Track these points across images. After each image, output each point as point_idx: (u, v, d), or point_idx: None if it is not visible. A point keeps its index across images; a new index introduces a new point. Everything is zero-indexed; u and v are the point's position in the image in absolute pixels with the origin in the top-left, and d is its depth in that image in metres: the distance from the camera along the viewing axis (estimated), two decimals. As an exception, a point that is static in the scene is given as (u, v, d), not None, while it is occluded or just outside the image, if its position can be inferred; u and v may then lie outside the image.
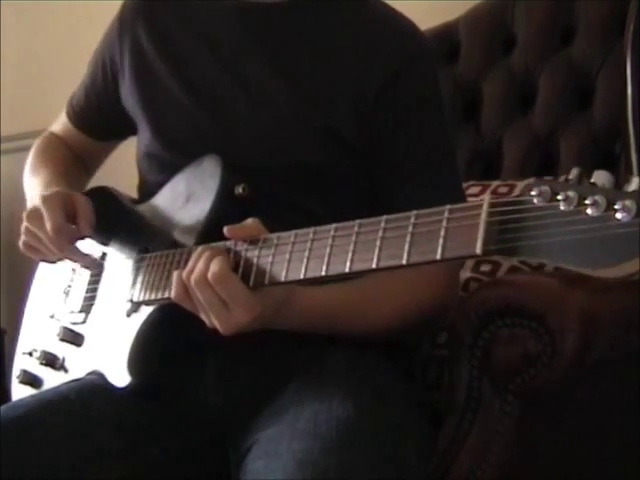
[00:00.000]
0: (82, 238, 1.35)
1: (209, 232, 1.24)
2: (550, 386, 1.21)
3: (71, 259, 1.37)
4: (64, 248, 1.33)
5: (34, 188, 1.47)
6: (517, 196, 0.89)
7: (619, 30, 1.69)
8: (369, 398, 1.20)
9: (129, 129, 1.49)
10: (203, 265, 1.12)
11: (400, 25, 1.36)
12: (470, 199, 1.70)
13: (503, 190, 1.74)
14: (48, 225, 1.31)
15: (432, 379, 1.45)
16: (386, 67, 1.30)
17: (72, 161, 1.57)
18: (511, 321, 1.20)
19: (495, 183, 1.78)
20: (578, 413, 1.30)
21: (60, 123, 1.61)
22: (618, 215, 0.80)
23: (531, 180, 1.72)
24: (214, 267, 1.11)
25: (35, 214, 1.33)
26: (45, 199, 1.33)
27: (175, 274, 1.15)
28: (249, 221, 1.15)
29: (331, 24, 1.34)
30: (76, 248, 1.35)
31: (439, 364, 1.44)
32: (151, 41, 1.40)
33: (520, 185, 1.72)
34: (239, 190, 1.24)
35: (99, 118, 1.53)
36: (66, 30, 2.78)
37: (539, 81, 1.86)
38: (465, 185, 1.76)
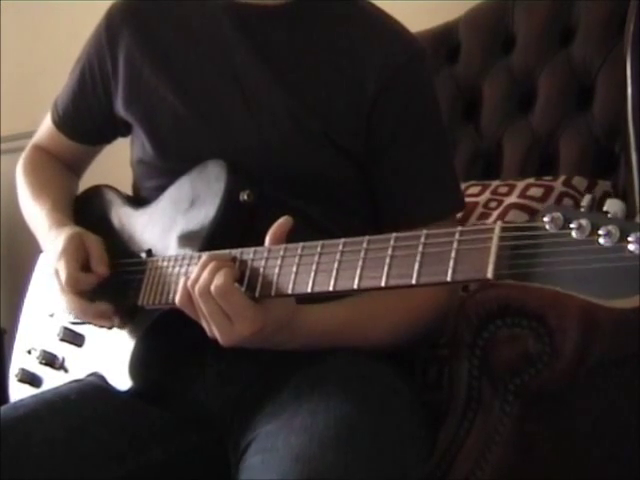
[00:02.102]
0: (102, 279, 1.34)
1: (214, 238, 1.24)
2: (550, 386, 1.21)
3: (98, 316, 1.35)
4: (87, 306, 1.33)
5: (39, 228, 1.46)
6: (529, 221, 0.89)
7: (619, 30, 1.69)
8: (368, 397, 1.20)
9: (119, 133, 1.49)
10: (208, 276, 1.11)
11: (392, 33, 1.35)
12: (470, 199, 1.71)
13: (503, 190, 1.74)
14: (62, 278, 1.31)
15: (432, 379, 1.45)
16: (379, 76, 1.30)
17: (62, 175, 1.56)
18: (511, 321, 1.20)
19: (495, 183, 1.78)
20: (578, 413, 1.30)
21: (45, 131, 1.59)
22: (631, 247, 0.80)
23: (531, 180, 1.73)
24: (218, 280, 1.10)
25: (56, 275, 1.34)
26: (60, 256, 1.33)
27: (181, 281, 1.15)
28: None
29: (326, 31, 1.34)
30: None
31: (439, 364, 1.44)
32: (143, 49, 1.38)
33: (520, 185, 1.72)
34: (244, 197, 1.24)
35: (89, 124, 1.51)
36: (66, 30, 2.78)
37: (539, 81, 1.86)
38: (465, 185, 1.77)
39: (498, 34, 1.94)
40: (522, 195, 1.70)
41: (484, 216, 1.71)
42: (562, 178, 1.72)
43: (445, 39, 2.00)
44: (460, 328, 1.24)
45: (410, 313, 1.26)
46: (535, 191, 1.70)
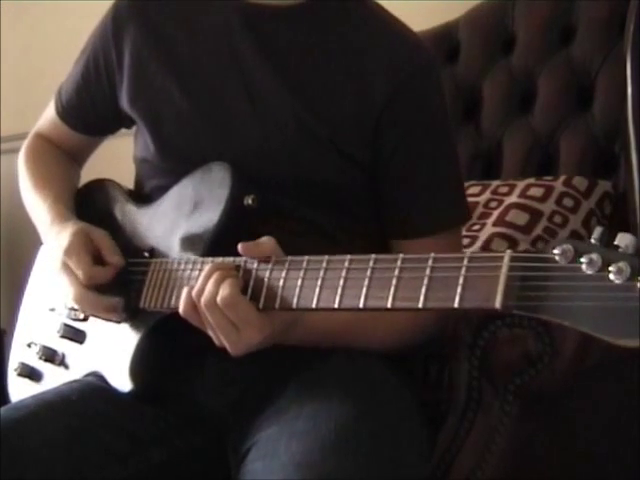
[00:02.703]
0: (117, 272, 1.33)
1: (217, 242, 1.23)
2: (550, 386, 1.21)
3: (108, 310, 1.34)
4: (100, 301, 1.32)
5: (41, 220, 1.45)
6: (539, 252, 0.87)
7: (619, 30, 1.69)
8: (369, 398, 1.20)
9: (123, 125, 1.48)
10: (213, 287, 1.11)
11: (402, 39, 1.33)
12: (470, 199, 1.71)
13: (503, 190, 1.74)
14: (80, 275, 1.30)
15: (432, 379, 1.45)
16: (388, 84, 1.28)
17: (65, 165, 1.56)
18: (511, 321, 1.20)
19: (495, 183, 1.79)
20: (578, 413, 1.30)
21: (48, 119, 1.58)
22: None
23: (532, 180, 1.73)
24: (224, 291, 1.10)
25: (65, 270, 1.32)
26: (68, 251, 1.32)
27: (184, 290, 1.14)
28: (264, 239, 1.13)
29: (335, 35, 1.32)
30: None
31: (439, 364, 1.44)
32: (149, 46, 1.37)
33: (520, 185, 1.73)
34: (248, 201, 1.23)
35: (92, 116, 1.50)
36: (66, 30, 2.78)
37: (539, 81, 1.86)
38: (465, 185, 1.76)
39: (498, 34, 1.94)
40: (522, 195, 1.70)
41: (484, 216, 1.71)
42: (562, 178, 1.72)
43: (445, 39, 2.00)
44: (460, 328, 1.24)
45: (415, 316, 1.24)
46: (535, 191, 1.70)
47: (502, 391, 1.22)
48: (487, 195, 1.75)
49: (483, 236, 1.64)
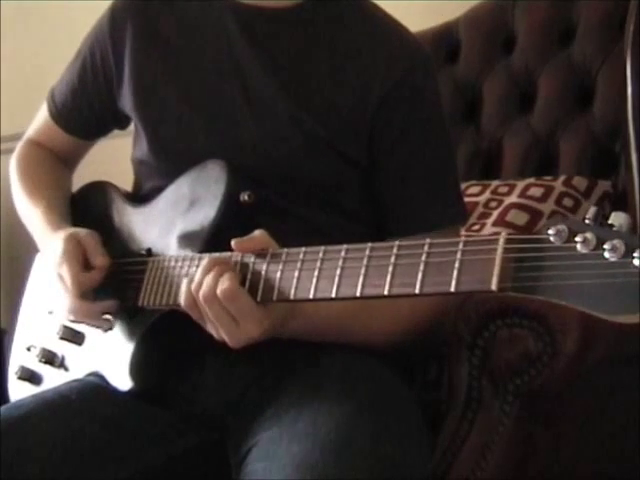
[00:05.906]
0: (104, 272, 1.33)
1: (214, 239, 1.23)
2: (550, 386, 1.21)
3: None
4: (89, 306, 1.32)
5: (35, 228, 1.45)
6: (534, 233, 0.88)
7: (619, 30, 1.69)
8: (368, 398, 1.20)
9: (117, 126, 1.49)
10: (212, 281, 1.11)
11: (398, 39, 1.34)
12: (470, 199, 1.71)
13: (503, 190, 1.74)
14: (69, 284, 1.30)
15: (432, 379, 1.45)
16: (385, 82, 1.29)
17: (56, 171, 1.55)
18: (511, 321, 1.20)
19: (495, 183, 1.79)
20: (578, 413, 1.30)
21: (40, 123, 1.57)
22: (636, 262, 0.80)
23: (532, 179, 1.73)
24: (223, 284, 1.10)
25: (59, 281, 1.32)
26: (59, 261, 1.31)
27: (184, 283, 1.15)
28: (256, 233, 1.14)
29: (331, 36, 1.33)
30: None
31: (439, 364, 1.44)
32: (147, 48, 1.38)
33: (520, 185, 1.73)
34: (244, 197, 1.23)
35: (88, 118, 1.50)
36: (66, 30, 2.78)
37: (539, 81, 1.86)
38: (465, 185, 1.77)
39: (498, 34, 1.94)
40: (522, 195, 1.70)
41: (484, 216, 1.71)
42: (562, 178, 1.72)
43: (445, 39, 2.01)
44: (460, 328, 1.24)
45: (412, 306, 1.24)
46: (535, 191, 1.70)
47: (502, 391, 1.22)
48: (487, 195, 1.75)
49: (483, 236, 1.64)
